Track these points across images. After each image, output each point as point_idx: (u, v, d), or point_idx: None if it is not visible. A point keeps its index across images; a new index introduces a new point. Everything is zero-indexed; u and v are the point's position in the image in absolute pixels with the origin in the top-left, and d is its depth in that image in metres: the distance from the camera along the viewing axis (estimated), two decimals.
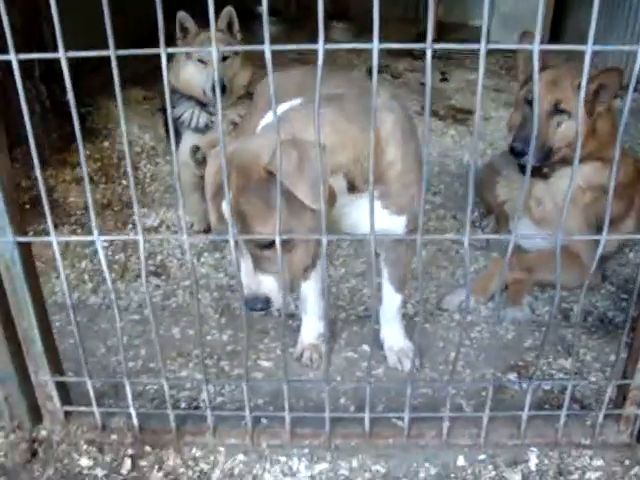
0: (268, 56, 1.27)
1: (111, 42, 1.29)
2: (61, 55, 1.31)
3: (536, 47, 1.32)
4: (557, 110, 2.63)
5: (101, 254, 1.54)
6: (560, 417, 1.81)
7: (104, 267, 1.56)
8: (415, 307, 2.66)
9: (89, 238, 1.53)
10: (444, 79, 5.74)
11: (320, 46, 1.26)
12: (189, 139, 3.54)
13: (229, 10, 3.28)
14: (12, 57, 1.31)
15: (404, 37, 7.07)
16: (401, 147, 1.79)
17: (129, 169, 1.44)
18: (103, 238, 1.52)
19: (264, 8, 1.22)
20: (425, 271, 2.91)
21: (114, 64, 1.31)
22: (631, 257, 3.07)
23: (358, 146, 1.63)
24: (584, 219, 2.71)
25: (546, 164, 2.73)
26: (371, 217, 1.44)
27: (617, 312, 2.67)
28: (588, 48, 1.30)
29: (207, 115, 3.66)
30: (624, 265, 3.01)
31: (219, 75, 1.35)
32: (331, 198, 1.64)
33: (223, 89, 3.39)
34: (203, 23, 3.29)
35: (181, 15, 3.22)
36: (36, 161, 1.45)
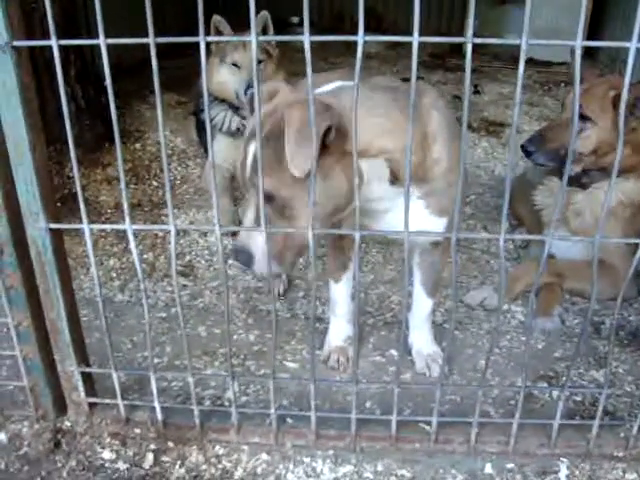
0: (307, 47, 1.27)
1: (150, 30, 1.29)
2: (101, 41, 1.31)
3: (578, 43, 1.29)
4: (580, 116, 2.59)
5: (132, 243, 1.53)
6: (592, 427, 1.76)
7: (134, 255, 1.56)
8: (444, 315, 2.63)
9: (121, 227, 1.52)
10: (477, 92, 5.71)
11: (360, 38, 1.25)
12: (221, 142, 3.56)
13: (264, 15, 3.29)
14: (53, 42, 1.32)
15: (437, 50, 7.08)
16: (447, 145, 1.78)
17: (164, 158, 1.44)
18: (135, 227, 1.52)
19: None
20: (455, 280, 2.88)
21: (153, 52, 1.31)
22: None
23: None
24: (623, 234, 2.66)
25: (582, 175, 2.69)
26: (406, 213, 1.42)
27: None
28: (632, 45, 1.27)
29: (239, 119, 3.67)
30: None
31: (257, 67, 1.33)
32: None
33: None
34: (236, 27, 3.31)
35: (216, 19, 3.23)
36: (73, 155, 1.45)
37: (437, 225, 1.89)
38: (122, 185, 1.50)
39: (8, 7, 1.33)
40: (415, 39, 1.26)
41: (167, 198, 1.46)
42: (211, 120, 3.69)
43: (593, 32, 6.86)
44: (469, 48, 1.26)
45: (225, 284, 1.58)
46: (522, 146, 2.76)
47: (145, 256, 3.04)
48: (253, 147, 1.54)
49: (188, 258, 3.07)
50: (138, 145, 4.27)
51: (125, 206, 1.49)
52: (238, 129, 3.64)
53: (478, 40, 1.27)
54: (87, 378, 1.84)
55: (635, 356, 2.35)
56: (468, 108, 1.35)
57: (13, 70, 1.38)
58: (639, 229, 2.73)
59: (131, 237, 1.52)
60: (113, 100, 1.39)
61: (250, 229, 1.61)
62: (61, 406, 1.88)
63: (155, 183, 3.82)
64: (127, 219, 1.49)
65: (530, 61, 6.14)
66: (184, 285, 2.84)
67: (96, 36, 1.32)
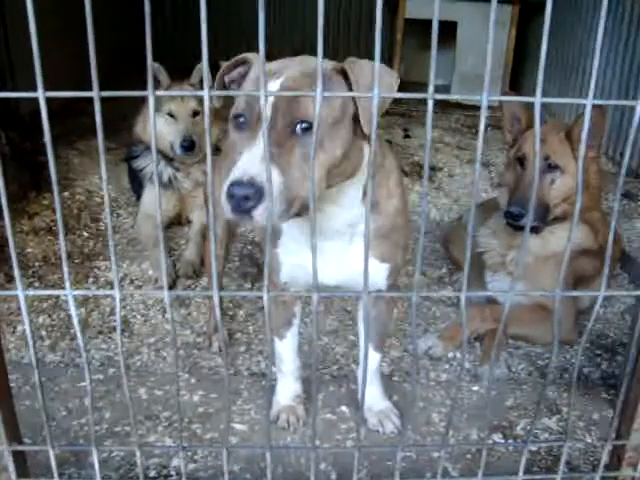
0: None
1: (95, 82, 1.21)
2: (40, 95, 1.22)
3: (538, 99, 1.28)
4: (549, 167, 2.62)
5: (73, 311, 1.42)
6: None
7: (76, 324, 1.44)
8: (390, 365, 2.58)
9: (60, 292, 1.41)
10: (407, 136, 5.77)
11: (318, 95, 1.20)
12: (152, 192, 3.45)
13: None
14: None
15: None
16: (398, 185, 1.77)
17: (108, 220, 1.34)
18: (76, 293, 1.41)
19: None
20: (398, 328, 2.85)
21: (97, 107, 1.22)
22: (600, 313, 3.05)
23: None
24: (563, 277, 2.69)
25: (547, 222, 2.72)
26: (365, 273, 1.36)
27: (592, 368, 2.64)
28: (589, 102, 1.26)
29: (172, 170, 3.58)
30: (595, 320, 2.99)
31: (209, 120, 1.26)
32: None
33: (192, 145, 3.32)
34: (173, 74, 3.23)
35: (154, 66, 3.15)
36: (6, 212, 1.35)
37: (379, 272, 1.83)
38: (61, 242, 1.39)
39: None
40: (375, 95, 1.21)
41: (112, 264, 1.37)
42: (141, 170, 3.59)
43: (514, 81, 7.17)
44: (430, 104, 1.23)
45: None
46: (509, 212, 2.65)
47: (76, 312, 2.88)
48: (280, 80, 1.45)
49: (123, 313, 2.93)
50: (67, 193, 4.09)
51: (65, 269, 1.38)
52: (169, 180, 3.54)
53: (439, 96, 1.25)
54: (18, 456, 1.68)
55: (584, 401, 2.35)
56: (428, 158, 1.31)
57: None
58: (576, 271, 2.77)
59: (72, 304, 1.41)
60: (52, 156, 1.30)
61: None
62: None
63: (86, 233, 3.65)
64: (67, 286, 1.38)
65: (458, 105, 6.28)
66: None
67: (23, 84, 1.24)
